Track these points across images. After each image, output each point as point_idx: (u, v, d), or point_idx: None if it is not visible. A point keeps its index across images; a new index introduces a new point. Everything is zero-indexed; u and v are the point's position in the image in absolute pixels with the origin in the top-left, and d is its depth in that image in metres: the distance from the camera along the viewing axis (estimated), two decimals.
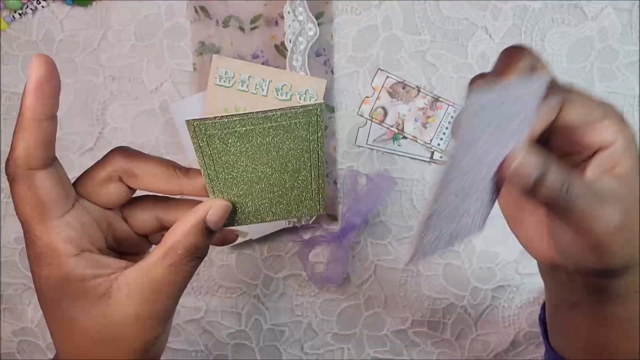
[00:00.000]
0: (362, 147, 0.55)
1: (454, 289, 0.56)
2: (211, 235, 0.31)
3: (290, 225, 0.55)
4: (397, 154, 0.55)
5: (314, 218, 0.55)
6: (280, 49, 0.53)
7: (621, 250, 0.31)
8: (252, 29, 0.53)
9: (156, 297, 0.30)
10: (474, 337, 0.57)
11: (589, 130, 0.30)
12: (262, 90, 0.53)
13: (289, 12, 0.52)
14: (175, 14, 0.54)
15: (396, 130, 0.54)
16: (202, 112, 0.53)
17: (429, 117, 0.54)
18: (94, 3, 0.54)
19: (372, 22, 0.54)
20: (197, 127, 0.30)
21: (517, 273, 0.56)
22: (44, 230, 0.29)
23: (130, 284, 0.30)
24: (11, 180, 0.29)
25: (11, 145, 0.28)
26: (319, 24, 0.53)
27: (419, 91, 0.54)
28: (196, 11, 0.53)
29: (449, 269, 0.56)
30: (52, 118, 0.28)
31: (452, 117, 0.54)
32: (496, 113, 0.26)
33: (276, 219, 0.35)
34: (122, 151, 0.32)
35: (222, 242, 0.36)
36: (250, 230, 0.54)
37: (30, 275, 0.30)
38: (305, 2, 0.52)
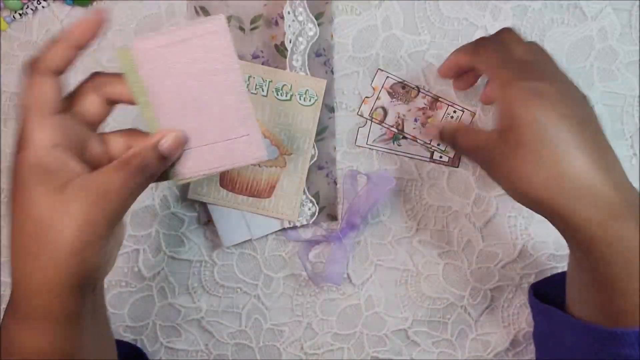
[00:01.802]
0: (362, 147, 0.55)
1: (454, 289, 0.57)
2: (164, 161, 0.37)
3: (291, 226, 0.55)
4: (396, 154, 0.55)
5: (314, 218, 0.55)
6: (280, 49, 0.53)
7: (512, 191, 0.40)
8: (252, 29, 0.53)
9: (103, 201, 0.34)
10: (474, 337, 0.57)
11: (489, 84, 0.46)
12: (262, 90, 0.53)
13: (289, 12, 0.52)
14: (175, 14, 0.54)
15: (396, 130, 0.55)
16: None
17: (429, 117, 0.54)
18: (94, 3, 0.54)
19: (372, 22, 0.54)
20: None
21: (516, 273, 0.56)
22: (35, 120, 0.34)
23: (84, 184, 0.34)
24: (32, 71, 0.35)
25: (47, 48, 0.35)
26: (319, 24, 0.53)
27: (418, 91, 0.54)
28: (196, 11, 0.53)
29: (448, 268, 0.56)
30: (86, 47, 0.36)
31: (451, 117, 0.54)
32: (174, 55, 0.35)
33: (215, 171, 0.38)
34: (98, 72, 0.38)
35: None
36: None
37: None
38: (305, 2, 0.52)
